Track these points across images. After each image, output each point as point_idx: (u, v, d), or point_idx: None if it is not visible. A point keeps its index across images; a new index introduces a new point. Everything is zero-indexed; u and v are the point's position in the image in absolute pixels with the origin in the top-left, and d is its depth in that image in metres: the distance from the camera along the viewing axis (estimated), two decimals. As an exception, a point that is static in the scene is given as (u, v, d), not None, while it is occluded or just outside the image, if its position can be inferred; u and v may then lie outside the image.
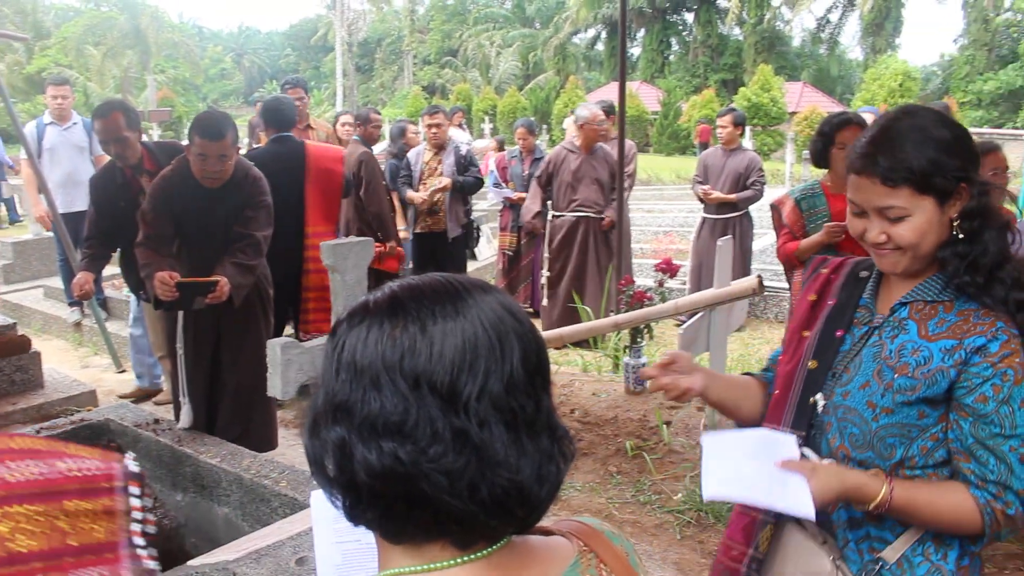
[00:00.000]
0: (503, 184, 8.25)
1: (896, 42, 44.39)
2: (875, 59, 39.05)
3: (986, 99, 37.53)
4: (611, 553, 1.06)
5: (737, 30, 48.02)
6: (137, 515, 2.16)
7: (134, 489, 2.17)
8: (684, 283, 8.01)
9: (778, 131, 29.72)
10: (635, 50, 51.48)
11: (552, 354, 6.43)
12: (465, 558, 0.94)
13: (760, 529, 1.89)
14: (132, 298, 5.81)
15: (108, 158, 4.90)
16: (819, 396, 1.82)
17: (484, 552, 0.94)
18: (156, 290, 3.95)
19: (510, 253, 8.16)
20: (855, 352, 1.80)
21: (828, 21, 47.98)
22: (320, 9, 68.96)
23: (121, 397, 5.97)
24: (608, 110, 7.90)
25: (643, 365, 5.27)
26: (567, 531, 1.07)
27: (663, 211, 12.83)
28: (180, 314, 4.24)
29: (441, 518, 0.91)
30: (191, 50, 49.38)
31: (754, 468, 1.69)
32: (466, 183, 7.00)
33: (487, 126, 32.02)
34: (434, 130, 7.13)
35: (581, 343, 6.40)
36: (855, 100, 32.14)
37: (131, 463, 2.21)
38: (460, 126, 13.65)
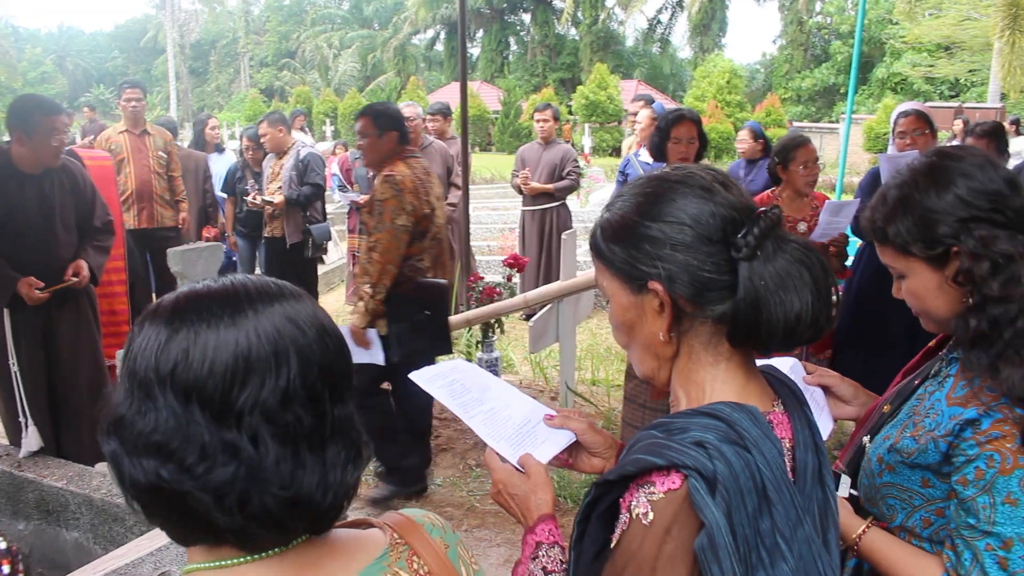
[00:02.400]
0: (348, 187, 8.19)
1: (722, 42, 46.76)
2: (703, 58, 40.91)
3: (805, 95, 39.93)
4: (427, 546, 1.08)
5: (573, 30, 49.20)
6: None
7: (5, 568, 2.08)
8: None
9: (616, 128, 30.60)
10: (474, 50, 51.87)
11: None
12: (256, 556, 0.94)
13: None
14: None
15: None
16: (867, 439, 1.72)
17: (276, 550, 0.95)
18: (27, 300, 3.94)
19: (359, 254, 8.12)
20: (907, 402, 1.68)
21: (659, 21, 49.92)
22: (148, 9, 66.05)
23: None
24: (444, 111, 7.94)
25: (496, 359, 5.38)
26: (383, 523, 1.08)
27: (507, 208, 13.00)
28: (7, 329, 4.04)
29: (213, 529, 0.91)
30: (7, 51, 46.26)
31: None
32: (300, 196, 6.84)
33: (328, 128, 31.60)
34: (264, 139, 6.98)
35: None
36: (687, 97, 33.53)
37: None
38: (302, 130, 13.43)
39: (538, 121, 7.90)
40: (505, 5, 51.17)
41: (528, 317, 4.83)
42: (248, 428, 0.88)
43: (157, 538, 2.84)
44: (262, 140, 7.00)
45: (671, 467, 1.08)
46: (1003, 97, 23.76)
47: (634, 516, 1.09)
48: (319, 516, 0.95)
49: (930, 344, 1.81)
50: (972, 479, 1.42)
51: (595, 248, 1.27)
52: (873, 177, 4.66)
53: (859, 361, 4.48)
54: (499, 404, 1.54)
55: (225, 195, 7.65)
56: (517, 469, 1.42)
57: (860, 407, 1.88)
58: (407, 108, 7.40)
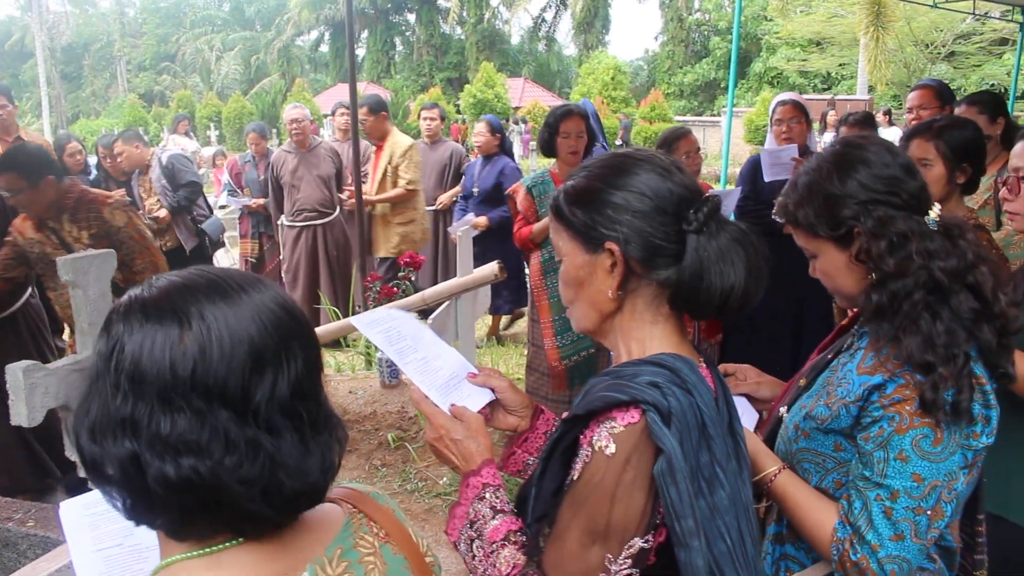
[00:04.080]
0: (239, 191, 8.04)
1: (606, 39, 47.59)
2: (588, 55, 41.53)
3: (687, 90, 41.04)
4: (379, 512, 1.15)
5: (459, 29, 49.28)
6: None
7: None
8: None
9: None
10: (360, 51, 51.35)
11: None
12: (242, 539, 0.97)
13: None
14: None
15: None
16: (783, 409, 1.83)
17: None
18: None
19: (253, 260, 7.98)
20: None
21: (544, 20, 50.49)
22: (13, 11, 62.98)
23: None
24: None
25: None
26: (337, 498, 1.14)
27: (402, 209, 12.96)
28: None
29: (236, 519, 0.94)
30: None
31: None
32: (182, 200, 6.67)
33: (213, 133, 30.84)
34: (120, 158, 6.75)
35: (333, 344, 6.41)
36: (573, 93, 34.00)
37: None
38: (187, 134, 13.11)
39: (425, 119, 7.87)
40: (389, 5, 50.86)
41: (426, 315, 4.85)
42: (266, 422, 0.92)
43: (54, 559, 2.76)
44: (119, 160, 6.75)
45: (631, 403, 1.22)
46: (871, 89, 24.90)
47: (596, 449, 1.23)
48: (319, 498, 1.02)
49: (843, 322, 1.92)
50: (873, 435, 1.55)
51: (556, 211, 1.41)
52: (752, 166, 4.84)
53: (746, 344, 4.67)
54: (431, 353, 1.61)
55: None
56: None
57: (770, 392, 2.04)
58: (294, 110, 7.32)
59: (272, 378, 0.92)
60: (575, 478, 1.25)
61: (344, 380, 5.84)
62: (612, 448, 1.21)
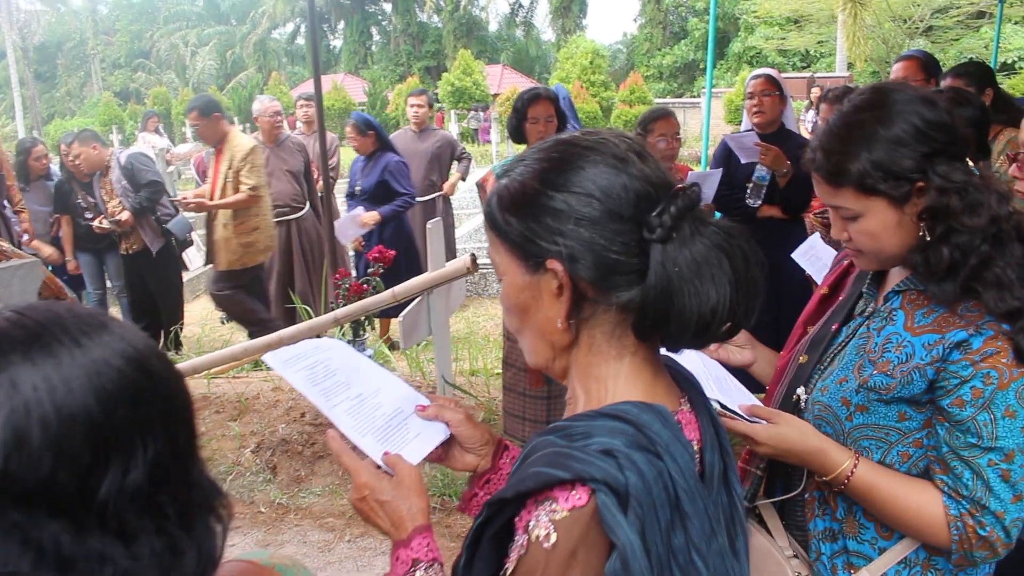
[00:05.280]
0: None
1: (583, 23, 47.35)
2: (566, 40, 41.31)
3: (666, 72, 40.87)
4: None
5: (436, 18, 49.00)
6: None
7: None
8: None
9: (462, 115, 30.54)
10: (337, 42, 51.03)
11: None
12: None
13: None
14: None
15: None
16: (801, 390, 1.68)
17: None
18: None
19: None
20: (843, 344, 1.65)
21: (521, 5, 50.17)
22: (-18, 12, 62.09)
23: None
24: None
25: (369, 357, 5.21)
26: (228, 574, 0.94)
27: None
28: None
29: None
30: None
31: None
32: (144, 202, 6.45)
33: (189, 129, 30.50)
34: (79, 161, 6.52)
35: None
36: (552, 79, 33.76)
37: None
38: (157, 131, 12.86)
39: (413, 106, 7.63)
40: (365, -6, 50.49)
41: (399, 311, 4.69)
42: (116, 525, 0.68)
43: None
44: (77, 162, 6.54)
45: (576, 480, 0.94)
46: (850, 66, 24.79)
47: (533, 539, 0.95)
48: None
49: (821, 290, 1.84)
50: (969, 399, 1.42)
51: (489, 218, 1.11)
52: (724, 149, 4.74)
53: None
54: (368, 390, 1.35)
55: (57, 215, 7.08)
56: (384, 471, 1.25)
57: (753, 352, 1.90)
58: (257, 103, 7.13)
59: (122, 466, 0.69)
60: (510, 572, 0.97)
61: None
62: (553, 538, 0.93)
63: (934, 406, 1.48)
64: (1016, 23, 27.58)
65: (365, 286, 5.10)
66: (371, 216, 6.33)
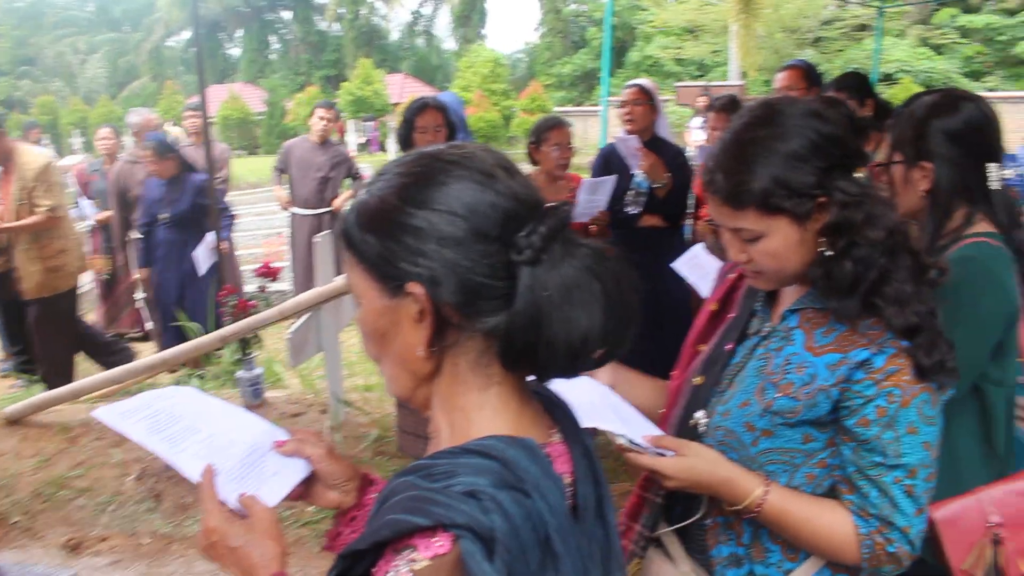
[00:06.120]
0: (87, 201, 7.52)
1: (483, 32, 47.50)
2: (467, 48, 41.35)
3: (566, 81, 41.22)
4: None
5: (336, 26, 48.47)
6: None
7: None
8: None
9: (383, 123, 30.28)
10: (235, 51, 49.98)
11: (167, 378, 5.99)
12: None
13: (628, 560, 1.73)
14: None
15: None
16: (700, 414, 1.65)
17: None
18: None
19: (105, 277, 7.47)
20: (741, 366, 1.62)
21: (421, 14, 50.06)
22: None
23: None
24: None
25: (258, 376, 5.05)
26: None
27: (273, 212, 12.37)
28: None
29: None
30: None
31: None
32: None
33: (78, 140, 29.36)
34: None
35: (195, 364, 6.00)
36: (452, 87, 33.71)
37: None
38: (38, 143, 12.30)
39: (323, 119, 7.50)
40: (264, 3, 49.51)
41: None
42: None
43: None
44: None
45: (438, 526, 0.87)
46: (743, 75, 25.42)
47: None
48: None
49: (709, 307, 1.81)
50: (874, 418, 1.42)
51: (346, 236, 1.03)
52: (603, 158, 4.78)
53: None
54: (219, 430, 1.25)
55: None
56: (238, 512, 1.16)
57: (613, 375, 1.84)
58: (135, 115, 6.90)
59: None
60: None
61: (205, 401, 5.44)
62: None
63: (838, 426, 1.48)
64: (896, 36, 28.82)
65: (252, 303, 4.95)
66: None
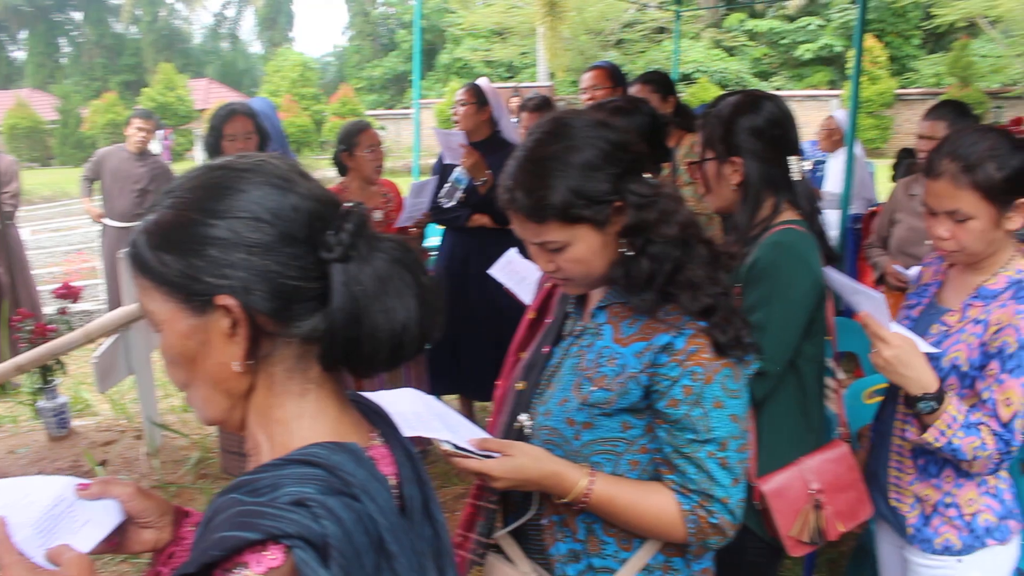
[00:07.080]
0: None
1: (291, 35, 46.49)
2: (274, 52, 40.32)
3: (377, 84, 41.00)
4: None
5: (134, 29, 46.06)
6: None
7: None
8: (105, 304, 7.38)
9: (188, 130, 29.06)
10: (20, 54, 46.55)
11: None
12: None
13: (467, 570, 1.75)
14: None
15: None
16: (524, 417, 1.69)
17: None
18: None
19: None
20: (558, 366, 1.67)
21: (225, 17, 48.41)
22: None
23: None
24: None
25: (63, 405, 4.73)
26: None
27: (73, 228, 11.66)
28: None
29: None
30: None
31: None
32: None
33: None
34: None
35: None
36: (260, 91, 32.78)
37: None
38: None
39: (141, 130, 7.13)
40: (51, 2, 46.33)
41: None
42: None
43: None
44: None
45: (268, 539, 0.84)
46: (552, 76, 26.08)
47: None
48: None
49: (529, 315, 1.88)
50: (681, 397, 1.48)
51: (138, 262, 0.98)
52: (440, 156, 4.76)
53: (450, 344, 4.51)
54: (16, 497, 1.14)
55: None
56: (45, 570, 1.05)
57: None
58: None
59: None
60: None
61: (4, 437, 5.05)
62: None
63: (652, 410, 1.53)
64: (692, 38, 30.37)
65: (52, 326, 4.62)
66: None
